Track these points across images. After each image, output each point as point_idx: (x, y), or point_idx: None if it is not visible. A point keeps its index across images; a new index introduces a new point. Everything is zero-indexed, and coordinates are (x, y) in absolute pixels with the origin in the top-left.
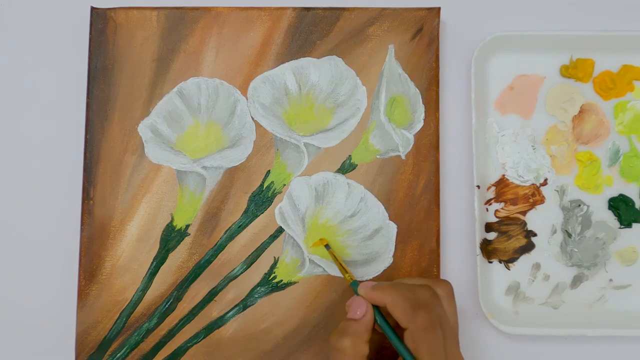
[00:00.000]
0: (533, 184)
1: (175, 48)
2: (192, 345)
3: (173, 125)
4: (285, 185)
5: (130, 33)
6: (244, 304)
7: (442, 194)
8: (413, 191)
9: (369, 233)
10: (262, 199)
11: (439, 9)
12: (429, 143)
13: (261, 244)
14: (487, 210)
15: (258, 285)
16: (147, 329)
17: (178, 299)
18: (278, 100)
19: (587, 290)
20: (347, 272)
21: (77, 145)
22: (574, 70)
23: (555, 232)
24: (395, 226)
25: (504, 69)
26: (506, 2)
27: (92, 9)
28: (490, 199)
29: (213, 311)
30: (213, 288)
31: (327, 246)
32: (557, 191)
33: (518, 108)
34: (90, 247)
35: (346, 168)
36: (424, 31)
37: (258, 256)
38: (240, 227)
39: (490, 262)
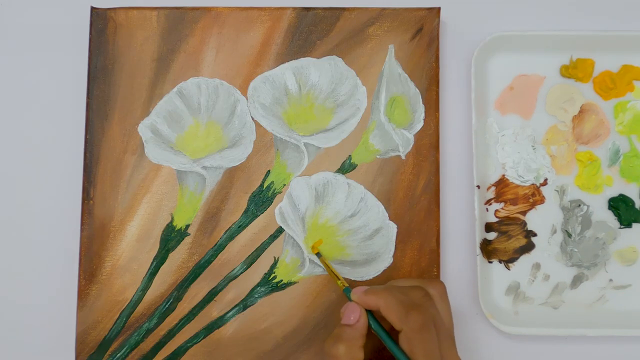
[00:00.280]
0: (533, 184)
1: (175, 48)
2: (192, 345)
3: (173, 125)
4: (285, 185)
5: (130, 33)
6: (244, 304)
7: (442, 194)
8: (413, 191)
9: (369, 233)
10: (262, 199)
11: (439, 9)
12: (429, 143)
13: (261, 244)
14: (487, 210)
15: (258, 285)
16: (147, 329)
17: (178, 299)
18: (278, 100)
19: (587, 290)
20: (339, 278)
21: (77, 145)
22: (574, 70)
23: (555, 232)
24: (395, 226)
25: (504, 69)
26: (506, 2)
27: (92, 9)
28: (490, 199)
29: (213, 311)
30: (213, 288)
31: (318, 254)
32: (557, 191)
33: (518, 108)
34: (90, 247)
35: (346, 168)
36: (424, 31)
37: (258, 256)
38: (240, 227)
39: (490, 262)
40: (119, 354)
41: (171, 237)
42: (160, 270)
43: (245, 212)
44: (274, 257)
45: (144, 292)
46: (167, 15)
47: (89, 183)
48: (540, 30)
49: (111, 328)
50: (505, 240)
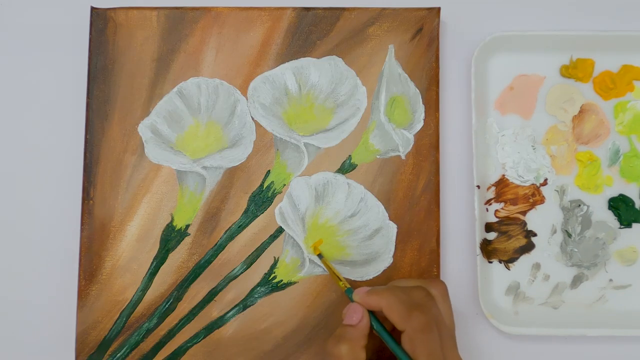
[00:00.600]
0: (533, 184)
1: (175, 48)
2: (192, 345)
3: (173, 125)
4: (285, 185)
5: (130, 33)
6: (244, 304)
7: (442, 194)
8: (413, 191)
9: (369, 233)
10: (262, 199)
11: (439, 9)
12: (429, 143)
13: (261, 244)
14: (487, 210)
15: (258, 285)
16: (147, 329)
17: (178, 299)
18: (278, 100)
19: (587, 290)
20: (340, 280)
21: (77, 145)
22: (574, 70)
23: (555, 232)
24: (395, 226)
25: (504, 69)
26: (506, 2)
27: (92, 9)
28: (490, 199)
29: (213, 311)
30: (213, 288)
31: (319, 255)
32: (557, 191)
33: (518, 108)
34: (90, 247)
35: (346, 168)
36: (424, 31)
37: (258, 256)
38: (240, 227)
39: (490, 262)
40: (119, 354)
41: (171, 237)
42: (160, 270)
43: (245, 212)
44: (274, 257)
45: (144, 292)
46: (167, 15)
47: (89, 183)
48: (540, 30)
49: (111, 328)
50: (505, 240)
